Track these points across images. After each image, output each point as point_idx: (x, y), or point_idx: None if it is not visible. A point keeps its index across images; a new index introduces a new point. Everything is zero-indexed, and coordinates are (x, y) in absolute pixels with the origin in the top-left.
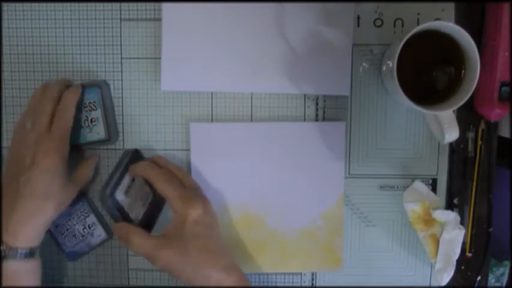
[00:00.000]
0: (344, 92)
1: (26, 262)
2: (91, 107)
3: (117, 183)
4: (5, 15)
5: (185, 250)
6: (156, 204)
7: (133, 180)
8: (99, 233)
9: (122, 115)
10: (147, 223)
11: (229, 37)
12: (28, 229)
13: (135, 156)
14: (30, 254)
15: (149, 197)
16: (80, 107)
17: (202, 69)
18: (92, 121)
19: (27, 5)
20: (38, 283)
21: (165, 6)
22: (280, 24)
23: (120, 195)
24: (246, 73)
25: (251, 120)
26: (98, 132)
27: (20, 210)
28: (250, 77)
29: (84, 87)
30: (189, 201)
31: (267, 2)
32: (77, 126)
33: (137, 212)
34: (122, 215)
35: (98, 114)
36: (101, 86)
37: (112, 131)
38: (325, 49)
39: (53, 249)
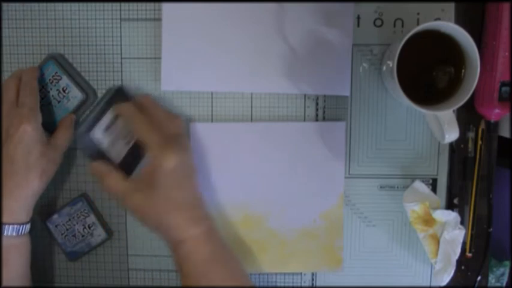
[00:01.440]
0: (344, 92)
1: (13, 238)
2: (56, 79)
3: (96, 120)
4: (5, 15)
5: (153, 197)
6: (141, 146)
7: (117, 117)
8: (99, 233)
9: None
10: (129, 164)
11: (229, 37)
12: (12, 204)
13: (119, 93)
14: (17, 230)
15: (134, 137)
16: (46, 84)
17: (202, 69)
18: (64, 90)
19: (27, 5)
20: (26, 260)
21: (165, 6)
22: (280, 24)
23: (98, 133)
24: (246, 73)
25: (251, 120)
26: (74, 96)
27: (4, 186)
28: (250, 77)
29: (40, 67)
30: (164, 151)
31: (267, 2)
32: (55, 104)
33: (118, 151)
34: (99, 154)
35: (65, 81)
36: (54, 57)
37: (87, 89)
38: (325, 49)
39: (53, 249)
